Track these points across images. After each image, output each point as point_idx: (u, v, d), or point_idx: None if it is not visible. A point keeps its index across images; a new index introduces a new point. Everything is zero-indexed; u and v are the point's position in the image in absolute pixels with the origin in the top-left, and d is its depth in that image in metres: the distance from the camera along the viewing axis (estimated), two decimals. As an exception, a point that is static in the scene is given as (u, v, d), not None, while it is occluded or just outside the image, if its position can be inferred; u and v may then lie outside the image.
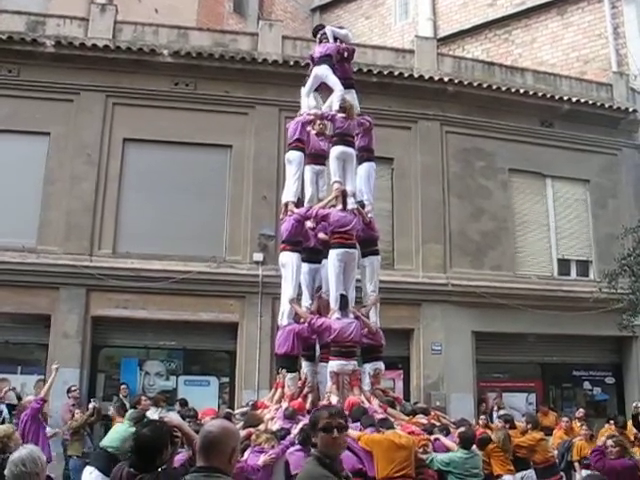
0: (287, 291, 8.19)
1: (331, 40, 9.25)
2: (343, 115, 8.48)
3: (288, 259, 8.25)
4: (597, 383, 14.42)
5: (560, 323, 12.99)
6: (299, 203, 8.60)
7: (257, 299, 12.27)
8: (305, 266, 8.44)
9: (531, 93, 14.44)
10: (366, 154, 9.03)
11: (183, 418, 6.68)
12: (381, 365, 8.38)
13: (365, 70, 13.32)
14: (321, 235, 8.51)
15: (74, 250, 12.00)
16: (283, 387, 7.91)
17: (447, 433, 7.18)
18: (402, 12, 22.33)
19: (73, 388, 10.46)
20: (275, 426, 6.92)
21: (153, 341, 12.45)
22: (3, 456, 4.42)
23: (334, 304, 7.85)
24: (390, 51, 14.98)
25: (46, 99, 12.51)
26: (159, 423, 3.91)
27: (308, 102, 9.13)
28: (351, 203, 8.18)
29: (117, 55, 12.71)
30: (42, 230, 12.12)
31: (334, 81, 8.87)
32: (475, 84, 14.15)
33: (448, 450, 6.79)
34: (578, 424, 10.41)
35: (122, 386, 11.44)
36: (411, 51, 14.67)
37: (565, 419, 10.69)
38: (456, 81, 14.05)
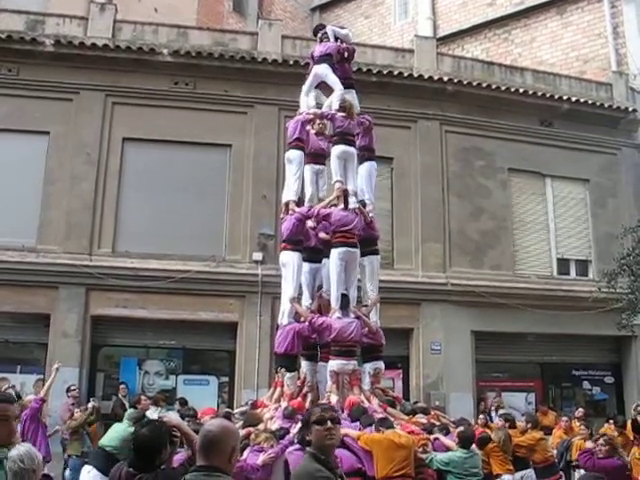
0: (288, 290, 8.17)
1: (332, 40, 9.23)
2: (343, 114, 8.47)
3: (289, 258, 8.24)
4: (596, 383, 14.43)
5: (559, 323, 12.99)
6: (300, 202, 8.60)
7: (257, 298, 12.27)
8: (306, 265, 8.42)
9: (530, 93, 14.43)
10: (367, 153, 9.03)
11: (182, 417, 6.69)
12: (381, 365, 8.36)
13: (365, 69, 13.31)
14: (322, 234, 8.50)
15: (74, 249, 12.01)
16: (282, 386, 7.90)
17: (447, 432, 7.17)
18: (402, 11, 22.33)
19: (72, 387, 10.44)
20: (274, 425, 6.92)
21: (153, 340, 12.45)
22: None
23: (335, 303, 7.83)
24: (390, 50, 14.97)
25: (45, 98, 12.50)
26: (158, 423, 3.91)
27: (307, 101, 9.12)
28: (352, 202, 8.17)
29: (116, 54, 12.71)
30: (42, 229, 12.12)
31: (334, 80, 8.86)
32: (475, 84, 14.14)
33: (448, 449, 6.79)
34: (577, 424, 10.39)
35: (121, 385, 11.47)
36: (411, 50, 14.67)
37: (564, 419, 10.68)
38: (456, 81, 14.05)
